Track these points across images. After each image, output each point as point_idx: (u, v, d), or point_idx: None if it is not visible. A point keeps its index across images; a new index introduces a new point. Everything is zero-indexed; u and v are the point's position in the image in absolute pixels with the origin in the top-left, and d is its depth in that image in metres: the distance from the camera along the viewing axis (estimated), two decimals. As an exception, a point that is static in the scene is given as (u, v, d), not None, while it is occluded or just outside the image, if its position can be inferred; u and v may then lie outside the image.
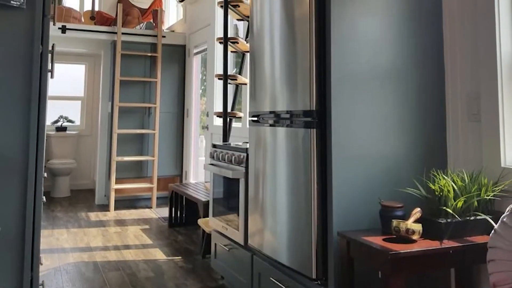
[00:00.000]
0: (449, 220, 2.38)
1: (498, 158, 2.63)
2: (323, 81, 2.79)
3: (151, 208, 7.68)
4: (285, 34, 3.08)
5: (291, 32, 3.01)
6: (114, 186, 7.40)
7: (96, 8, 9.08)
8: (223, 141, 4.88)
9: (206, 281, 4.36)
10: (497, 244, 1.98)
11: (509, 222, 1.97)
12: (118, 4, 7.78)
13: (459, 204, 2.43)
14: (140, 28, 8.28)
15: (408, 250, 2.25)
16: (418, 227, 2.34)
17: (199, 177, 7.77)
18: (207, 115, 7.15)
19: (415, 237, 2.33)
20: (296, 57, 2.94)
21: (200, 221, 4.94)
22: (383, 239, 2.42)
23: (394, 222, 2.38)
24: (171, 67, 8.18)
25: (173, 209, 6.43)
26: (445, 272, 2.84)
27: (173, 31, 8.78)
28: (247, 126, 4.00)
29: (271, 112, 3.20)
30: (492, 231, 2.06)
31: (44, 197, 3.01)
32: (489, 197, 2.48)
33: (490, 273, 1.99)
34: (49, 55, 3.05)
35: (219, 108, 6.70)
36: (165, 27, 9.19)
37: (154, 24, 8.30)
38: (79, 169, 9.41)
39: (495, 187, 2.52)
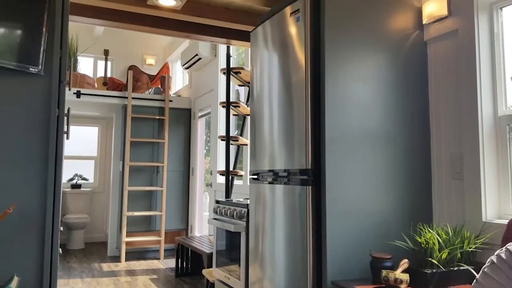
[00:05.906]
0: (434, 270, 2.40)
1: (480, 213, 2.65)
2: (318, 142, 2.84)
3: (159, 259, 7.62)
4: (283, 98, 3.14)
5: (289, 97, 3.07)
6: (125, 239, 7.37)
7: (109, 75, 9.26)
8: (226, 198, 4.90)
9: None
10: (478, 293, 1.99)
11: (490, 272, 1.99)
12: (129, 71, 7.91)
13: (444, 256, 2.45)
14: (149, 93, 8.40)
15: (397, 299, 2.26)
16: (405, 276, 2.36)
17: (203, 231, 7.74)
18: (211, 174, 7.18)
19: (403, 286, 2.34)
20: (293, 120, 3.00)
21: (205, 271, 4.91)
22: (374, 288, 2.43)
23: (384, 272, 2.39)
24: (177, 129, 8.26)
25: (180, 260, 6.40)
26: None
27: (179, 95, 8.89)
28: (248, 183, 4.04)
29: (270, 171, 3.23)
30: (474, 281, 2.06)
31: (60, 249, 3.01)
32: (471, 249, 2.50)
33: (473, 320, 2.00)
34: (65, 118, 3.10)
35: (222, 167, 6.76)
36: (172, 92, 9.32)
37: (162, 89, 8.42)
38: (92, 223, 9.41)
39: (477, 240, 2.54)
